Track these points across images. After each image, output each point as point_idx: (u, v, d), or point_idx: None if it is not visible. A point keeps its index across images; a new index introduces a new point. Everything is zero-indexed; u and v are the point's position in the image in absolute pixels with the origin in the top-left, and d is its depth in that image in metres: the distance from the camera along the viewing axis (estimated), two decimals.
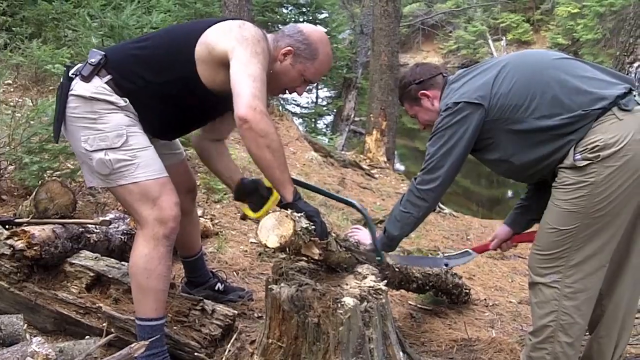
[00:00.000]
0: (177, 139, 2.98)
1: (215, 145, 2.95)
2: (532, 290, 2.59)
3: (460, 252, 3.22)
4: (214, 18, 2.51)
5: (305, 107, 16.57)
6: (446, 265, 3.16)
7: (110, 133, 2.40)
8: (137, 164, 2.41)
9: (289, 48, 2.52)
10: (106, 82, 2.43)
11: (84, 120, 2.42)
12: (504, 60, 2.64)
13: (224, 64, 2.37)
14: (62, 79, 2.50)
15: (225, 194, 5.26)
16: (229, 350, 2.67)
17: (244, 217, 2.69)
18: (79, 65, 2.52)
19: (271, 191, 2.49)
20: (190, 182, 3.07)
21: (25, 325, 2.48)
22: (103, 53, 2.48)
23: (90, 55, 2.48)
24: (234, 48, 2.34)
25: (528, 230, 3.04)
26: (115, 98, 2.42)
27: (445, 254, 3.23)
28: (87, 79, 2.43)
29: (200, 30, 2.46)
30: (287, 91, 2.68)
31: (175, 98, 2.52)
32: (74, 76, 2.47)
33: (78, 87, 2.43)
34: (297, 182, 2.94)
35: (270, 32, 2.54)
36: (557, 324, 2.48)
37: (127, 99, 2.44)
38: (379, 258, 2.71)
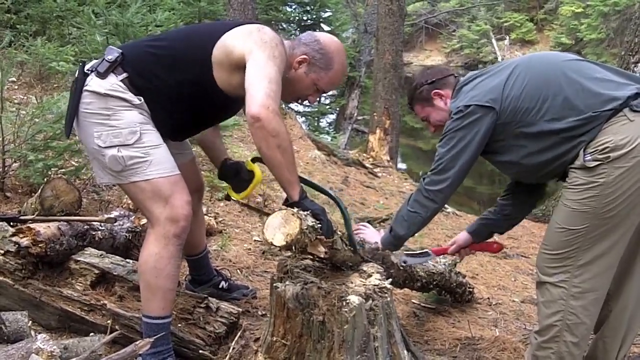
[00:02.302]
0: (187, 139, 2.98)
1: None
2: (539, 289, 2.58)
3: (420, 251, 3.23)
4: (232, 21, 2.50)
5: (308, 106, 16.54)
6: (405, 262, 3.17)
7: (124, 130, 2.39)
8: (149, 161, 2.41)
9: (305, 56, 2.52)
10: (121, 80, 2.42)
11: (97, 116, 2.41)
12: (514, 62, 2.63)
13: (240, 67, 2.36)
14: (77, 73, 2.49)
15: None
16: (233, 348, 2.67)
17: (228, 198, 2.78)
18: (95, 61, 2.51)
19: (252, 174, 2.55)
20: (198, 181, 3.07)
21: (30, 322, 2.48)
22: (120, 51, 2.48)
23: (107, 52, 2.48)
24: (252, 51, 2.34)
25: (487, 241, 3.12)
26: (129, 96, 2.41)
27: (406, 252, 3.23)
28: (102, 75, 2.42)
29: (219, 33, 2.46)
30: (299, 99, 2.69)
31: (189, 99, 2.51)
32: (89, 72, 2.46)
33: (93, 83, 2.42)
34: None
35: (274, 31, 2.53)
36: (563, 323, 2.47)
37: (141, 98, 2.44)
38: (353, 248, 2.69)
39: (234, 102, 2.51)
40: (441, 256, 3.55)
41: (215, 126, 3.03)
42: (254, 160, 2.61)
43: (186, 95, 2.50)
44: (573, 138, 2.40)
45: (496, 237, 3.25)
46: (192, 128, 2.80)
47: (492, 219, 3.02)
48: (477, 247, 3.14)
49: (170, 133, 2.63)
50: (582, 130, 2.38)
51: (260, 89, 2.22)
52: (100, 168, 2.50)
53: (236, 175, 2.73)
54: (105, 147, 2.39)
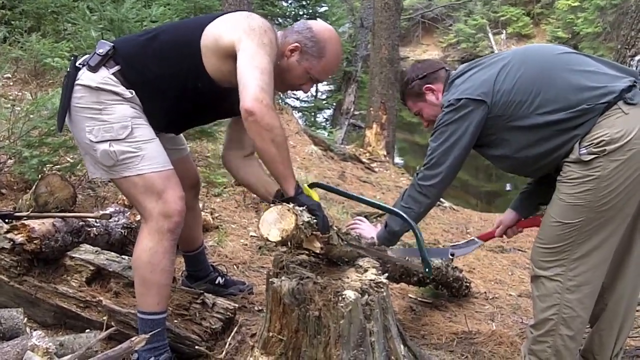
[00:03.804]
0: (182, 134, 2.97)
1: (244, 160, 2.88)
2: (534, 283, 2.58)
3: (466, 241, 3.18)
4: (222, 11, 2.48)
5: (305, 101, 16.55)
6: (452, 255, 3.12)
7: (115, 124, 2.37)
8: (141, 156, 2.39)
9: (296, 44, 2.48)
10: (113, 73, 2.41)
11: (89, 111, 2.39)
12: (507, 55, 2.62)
13: (230, 55, 2.34)
14: (68, 68, 2.48)
15: (225, 188, 5.26)
16: (230, 344, 2.67)
17: None
18: (87, 55, 2.50)
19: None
20: (194, 177, 3.06)
21: (26, 319, 2.47)
22: (111, 44, 2.46)
23: (99, 46, 2.46)
24: (241, 39, 2.31)
25: (533, 216, 2.98)
26: (121, 89, 2.40)
27: (452, 245, 3.20)
28: (94, 69, 2.40)
29: (207, 21, 2.44)
30: (292, 89, 2.66)
31: (182, 91, 2.50)
32: (81, 66, 2.45)
33: (84, 76, 2.41)
34: (340, 193, 2.92)
35: (263, 17, 2.50)
36: (559, 317, 2.48)
37: (133, 91, 2.42)
38: (428, 270, 2.64)
39: (228, 95, 2.46)
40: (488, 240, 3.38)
41: (255, 160, 2.88)
42: (311, 185, 2.54)
43: (178, 87, 2.49)
44: (566, 131, 2.40)
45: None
46: (186, 121, 2.79)
47: (532, 191, 2.95)
48: (524, 224, 3.02)
49: (164, 126, 2.62)
50: (576, 123, 2.37)
51: (252, 81, 2.20)
52: (93, 163, 2.49)
53: None
54: (97, 142, 2.38)
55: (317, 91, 17.63)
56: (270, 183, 2.76)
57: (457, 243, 3.21)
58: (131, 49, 2.50)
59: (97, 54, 2.43)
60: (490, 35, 31.05)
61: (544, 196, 2.87)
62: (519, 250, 5.76)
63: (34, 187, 3.15)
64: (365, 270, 2.43)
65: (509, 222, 3.01)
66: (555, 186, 2.78)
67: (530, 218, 2.99)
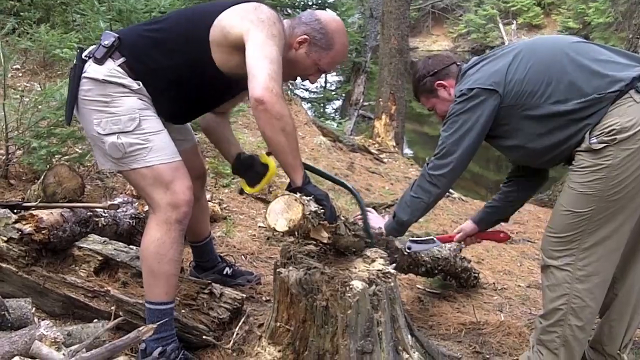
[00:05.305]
0: (189, 124, 2.97)
1: (217, 118, 2.97)
2: (544, 273, 2.57)
3: (426, 238, 3.21)
4: (228, 1, 2.48)
5: (314, 92, 16.53)
6: (409, 249, 3.16)
7: (123, 116, 2.37)
8: (149, 147, 2.39)
9: (305, 36, 2.48)
10: (119, 65, 2.40)
11: (96, 103, 2.39)
12: (519, 46, 2.61)
13: (239, 47, 2.33)
14: (74, 60, 2.47)
15: (233, 179, 5.26)
16: (237, 334, 2.67)
17: (242, 192, 2.76)
18: (92, 47, 2.49)
19: (267, 167, 2.53)
20: (200, 167, 3.06)
21: (34, 308, 2.47)
22: (116, 35, 2.45)
23: (104, 38, 2.45)
24: (250, 30, 2.30)
25: (492, 229, 3.10)
26: (128, 81, 2.39)
27: (411, 238, 3.21)
28: (100, 61, 2.39)
29: (215, 12, 2.42)
30: (299, 77, 2.66)
31: (189, 81, 2.49)
32: (87, 58, 2.44)
33: (91, 69, 2.40)
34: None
35: (272, 9, 2.48)
36: (568, 307, 2.46)
37: (140, 82, 2.41)
38: (370, 240, 2.67)
39: (234, 83, 2.48)
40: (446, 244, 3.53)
41: (227, 120, 3.02)
42: (268, 153, 2.57)
43: (185, 77, 2.48)
44: (578, 120, 2.38)
45: (503, 225, 3.22)
46: (194, 110, 2.78)
47: (497, 207, 3.01)
48: (484, 235, 3.12)
49: (171, 116, 2.61)
50: (587, 113, 2.36)
51: (262, 71, 2.19)
52: (101, 155, 2.49)
53: (250, 169, 2.67)
54: (105, 134, 2.38)
55: (326, 82, 17.62)
56: (235, 146, 2.91)
57: (417, 238, 3.22)
58: (136, 40, 2.48)
59: (103, 46, 2.42)
60: (500, 25, 30.82)
61: (505, 213, 3.03)
62: (528, 241, 5.75)
63: (42, 178, 3.15)
64: (373, 261, 2.43)
65: (468, 231, 3.09)
66: (525, 196, 2.95)
67: (489, 232, 3.11)
